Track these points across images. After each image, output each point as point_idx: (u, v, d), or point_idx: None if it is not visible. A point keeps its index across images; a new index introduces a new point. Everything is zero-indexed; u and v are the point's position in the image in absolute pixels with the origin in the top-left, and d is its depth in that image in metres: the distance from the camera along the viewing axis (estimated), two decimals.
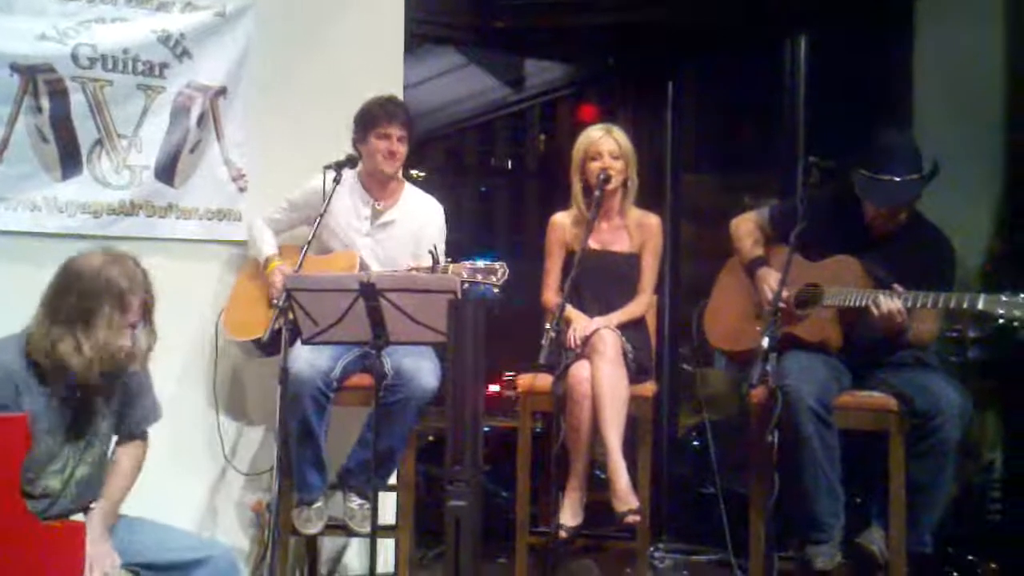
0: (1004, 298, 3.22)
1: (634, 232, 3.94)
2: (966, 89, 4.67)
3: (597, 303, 3.87)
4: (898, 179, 3.49)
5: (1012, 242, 4.40)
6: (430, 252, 3.51)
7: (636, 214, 3.96)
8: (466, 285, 3.38)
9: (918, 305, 3.36)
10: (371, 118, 3.86)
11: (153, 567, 2.94)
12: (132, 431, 3.08)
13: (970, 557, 4.03)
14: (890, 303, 3.38)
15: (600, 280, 3.87)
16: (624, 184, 3.90)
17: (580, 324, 3.72)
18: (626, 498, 3.51)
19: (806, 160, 3.60)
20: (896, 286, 3.41)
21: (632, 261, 3.93)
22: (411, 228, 3.92)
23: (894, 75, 4.84)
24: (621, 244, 3.94)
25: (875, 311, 3.39)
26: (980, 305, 3.24)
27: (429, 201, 4.03)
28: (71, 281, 2.82)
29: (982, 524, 4.30)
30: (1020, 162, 4.41)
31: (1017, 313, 3.19)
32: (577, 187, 3.92)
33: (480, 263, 3.50)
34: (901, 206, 3.55)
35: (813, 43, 5.16)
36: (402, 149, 3.89)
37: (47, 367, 2.80)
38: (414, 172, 4.00)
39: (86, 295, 2.80)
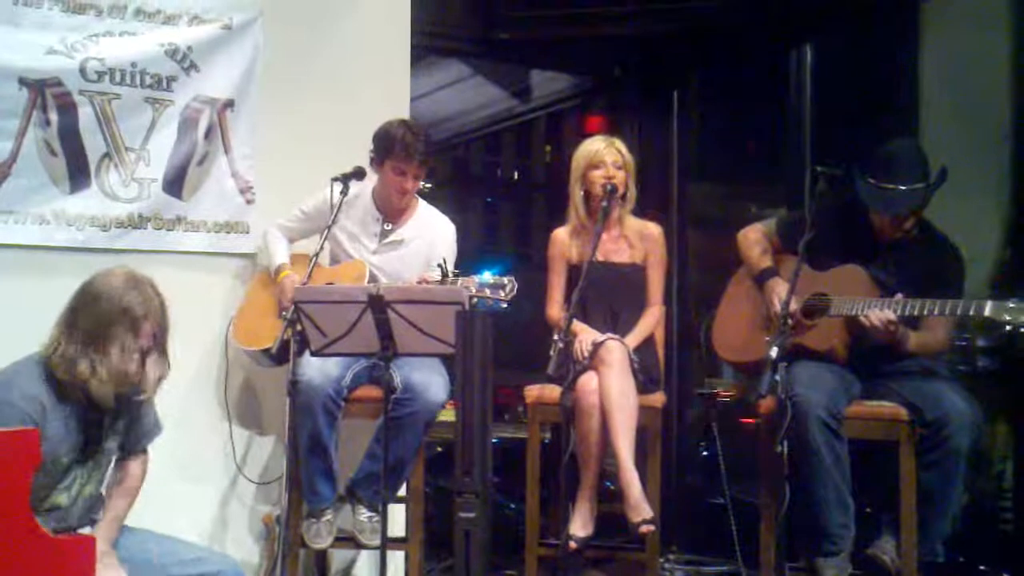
0: (1011, 304, 3.21)
1: (635, 242, 3.93)
2: (972, 96, 4.67)
3: (601, 314, 3.86)
4: (903, 187, 3.48)
5: (1020, 249, 4.39)
6: (439, 266, 3.51)
7: (636, 224, 3.95)
8: (474, 300, 3.38)
9: (925, 312, 3.36)
10: (390, 149, 3.79)
11: None
12: (134, 448, 3.09)
13: (982, 567, 4.02)
14: (879, 314, 3.37)
15: (603, 291, 3.86)
16: (623, 195, 3.90)
17: (587, 335, 3.72)
18: (640, 508, 3.49)
19: (813, 169, 3.60)
20: (898, 295, 3.40)
21: (634, 271, 3.92)
22: (420, 248, 3.90)
23: (900, 82, 4.85)
24: (622, 255, 3.93)
25: (864, 322, 3.39)
26: (987, 311, 3.23)
27: (440, 220, 4.00)
28: (89, 301, 2.83)
29: (993, 533, 4.29)
30: None
31: None
32: (578, 197, 3.91)
33: (489, 278, 3.49)
34: (906, 214, 3.54)
35: (818, 51, 5.17)
36: (416, 185, 3.86)
37: (67, 384, 2.81)
38: (421, 184, 3.98)
39: (103, 317, 2.80)
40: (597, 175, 3.84)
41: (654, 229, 3.96)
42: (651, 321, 3.90)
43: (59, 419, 2.81)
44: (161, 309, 2.90)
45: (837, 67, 5.12)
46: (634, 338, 3.78)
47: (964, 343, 4.38)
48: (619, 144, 3.91)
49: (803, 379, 3.40)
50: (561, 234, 3.98)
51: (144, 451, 3.13)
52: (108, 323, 2.80)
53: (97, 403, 2.85)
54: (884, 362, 3.58)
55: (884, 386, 3.57)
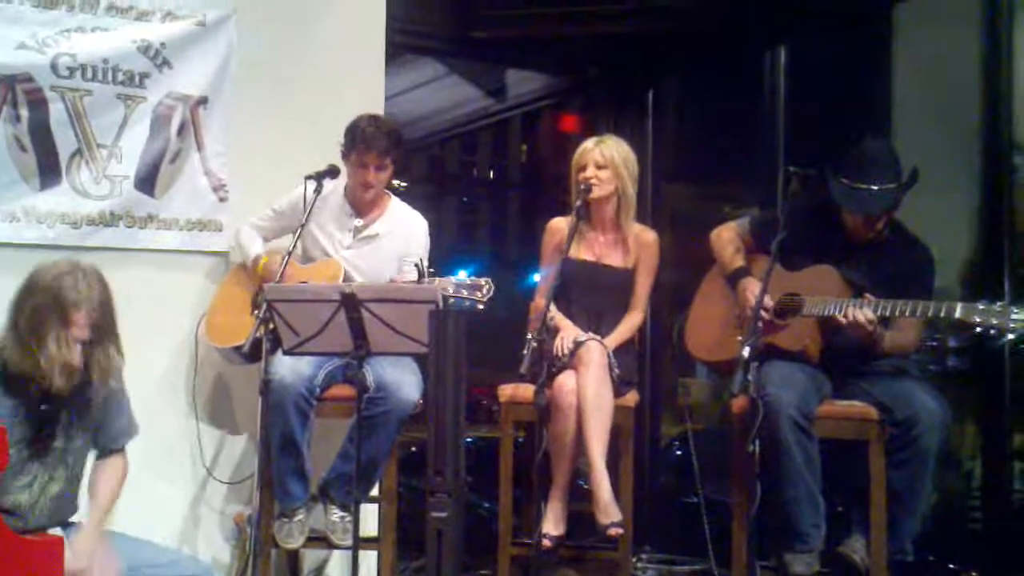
0: (981, 306, 3.24)
1: (632, 247, 3.93)
2: (945, 97, 4.71)
3: (586, 315, 3.87)
4: (875, 188, 3.50)
5: (990, 251, 4.43)
6: (415, 265, 3.50)
7: (635, 229, 3.94)
8: (451, 301, 3.38)
9: (896, 313, 3.38)
10: (353, 141, 3.79)
11: None
12: (109, 447, 3.07)
13: (951, 565, 4.06)
14: (858, 313, 3.39)
15: (590, 292, 3.87)
16: (617, 197, 3.89)
17: (569, 332, 3.72)
18: (608, 511, 3.51)
19: (786, 169, 3.61)
20: (867, 295, 3.42)
21: (625, 276, 3.92)
22: (394, 243, 3.89)
23: (873, 84, 4.88)
24: (615, 258, 3.93)
25: (842, 321, 3.41)
26: (957, 313, 3.26)
27: (413, 216, 4.00)
28: (26, 294, 2.83)
29: (962, 532, 4.33)
30: (998, 170, 4.45)
31: (994, 321, 3.21)
32: (572, 196, 3.92)
33: (466, 279, 3.48)
34: (878, 215, 3.56)
35: (792, 52, 5.19)
36: (381, 176, 3.84)
37: (17, 377, 2.79)
38: (396, 182, 3.97)
39: (37, 307, 2.80)
40: (581, 176, 3.85)
41: (650, 236, 3.96)
42: (633, 325, 3.90)
43: (6, 406, 2.79)
44: (100, 297, 2.86)
45: (811, 68, 5.15)
46: (614, 340, 3.79)
47: (935, 343, 4.42)
48: (608, 144, 3.88)
49: (775, 379, 3.42)
50: (558, 224, 3.97)
51: (121, 451, 3.11)
52: (42, 314, 2.78)
53: (52, 396, 2.83)
54: (855, 362, 3.60)
55: (855, 386, 3.59)
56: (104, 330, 2.88)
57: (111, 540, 2.98)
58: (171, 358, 4.03)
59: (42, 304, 2.79)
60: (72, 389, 2.87)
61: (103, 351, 2.88)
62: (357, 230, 3.92)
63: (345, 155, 3.85)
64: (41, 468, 2.88)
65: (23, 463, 2.84)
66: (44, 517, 2.90)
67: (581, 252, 3.86)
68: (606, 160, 3.85)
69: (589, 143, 3.91)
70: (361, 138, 3.77)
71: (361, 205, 3.93)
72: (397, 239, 3.90)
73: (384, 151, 3.79)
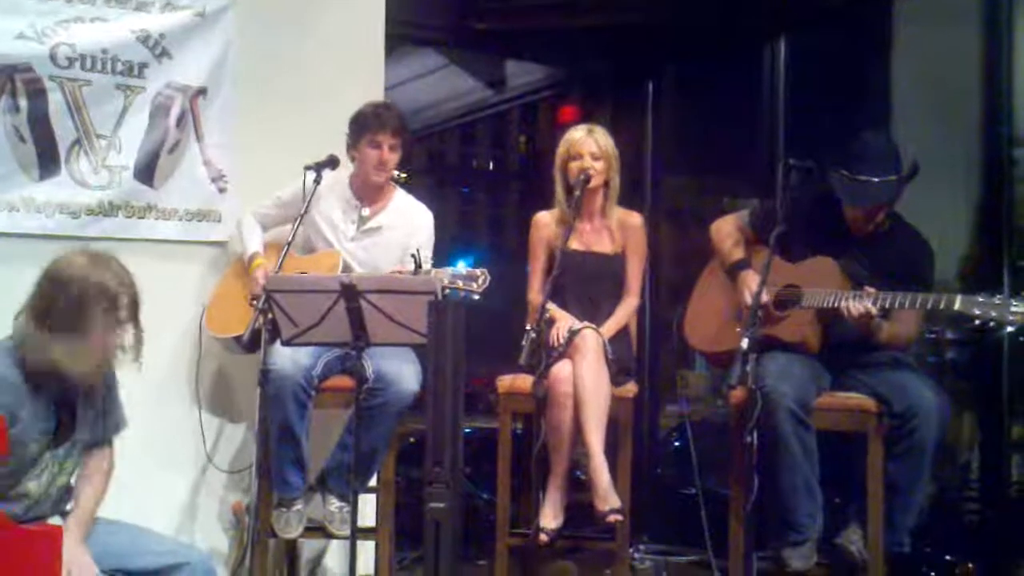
0: (980, 299, 3.24)
1: (616, 232, 3.94)
2: (944, 90, 4.70)
3: (580, 304, 3.87)
4: (876, 180, 3.50)
5: (989, 243, 4.43)
6: (412, 256, 3.51)
7: (618, 214, 3.96)
8: (447, 291, 3.38)
9: (896, 305, 3.38)
10: (363, 124, 3.82)
11: (130, 572, 2.92)
12: (101, 439, 3.07)
13: (947, 557, 4.06)
14: (859, 306, 3.39)
15: (583, 281, 3.87)
16: (606, 185, 3.90)
17: (564, 322, 3.72)
18: (608, 497, 3.52)
19: (785, 162, 3.61)
20: (867, 288, 3.43)
21: (615, 262, 3.93)
22: (398, 236, 3.89)
23: (873, 77, 4.88)
24: (603, 245, 3.94)
25: (844, 313, 3.42)
26: (957, 306, 3.27)
27: (418, 208, 4.00)
28: (59, 288, 2.80)
29: (960, 524, 4.34)
30: (997, 163, 4.45)
31: (993, 314, 3.22)
32: (559, 187, 3.92)
33: (462, 269, 3.49)
34: (878, 207, 3.56)
35: (792, 45, 5.19)
36: (393, 158, 3.85)
37: (44, 375, 2.79)
38: (396, 173, 3.97)
39: (78, 301, 2.78)
40: (574, 166, 3.85)
41: (635, 219, 3.97)
42: (627, 311, 3.91)
43: (30, 405, 2.80)
44: (131, 281, 2.90)
45: (811, 61, 5.15)
46: (609, 328, 3.79)
47: (934, 336, 4.42)
48: (599, 133, 3.90)
49: (773, 370, 3.42)
50: (543, 218, 3.98)
51: (110, 444, 3.10)
52: (85, 305, 2.78)
53: (74, 386, 2.83)
54: (854, 354, 3.60)
55: (854, 377, 3.60)
56: (135, 311, 2.91)
57: (109, 527, 2.99)
58: (171, 348, 4.03)
59: (83, 297, 2.78)
60: (98, 377, 2.88)
61: (133, 331, 2.91)
62: (362, 220, 3.92)
63: (354, 143, 3.86)
64: (53, 460, 2.88)
65: (39, 454, 2.85)
66: (47, 507, 2.90)
67: (570, 242, 3.86)
68: (601, 151, 3.86)
69: (578, 132, 3.91)
70: (373, 119, 3.80)
71: (368, 194, 3.93)
72: (401, 232, 3.90)
73: (396, 130, 3.82)
